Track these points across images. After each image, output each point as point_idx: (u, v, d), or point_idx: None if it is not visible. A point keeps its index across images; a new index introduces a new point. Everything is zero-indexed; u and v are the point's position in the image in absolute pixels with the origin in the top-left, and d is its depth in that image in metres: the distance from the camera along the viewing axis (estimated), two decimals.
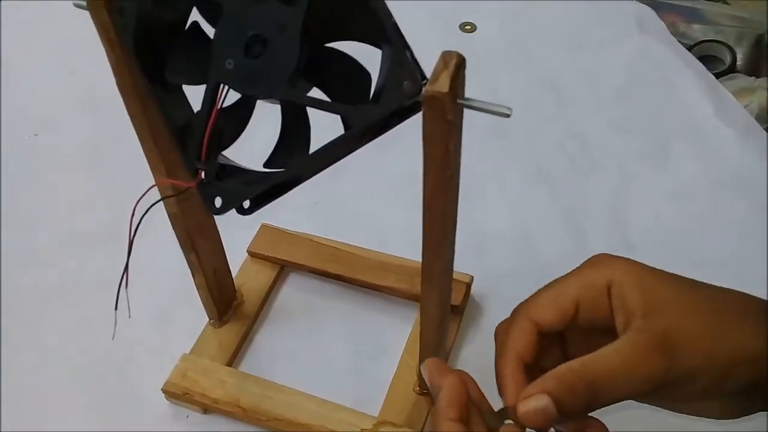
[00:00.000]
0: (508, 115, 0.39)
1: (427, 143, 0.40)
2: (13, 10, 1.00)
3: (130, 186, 0.47)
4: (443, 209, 0.43)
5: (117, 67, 0.46)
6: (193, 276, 0.62)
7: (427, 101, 0.38)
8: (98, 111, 0.84)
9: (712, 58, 1.21)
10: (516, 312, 0.45)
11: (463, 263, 0.64)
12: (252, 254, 0.72)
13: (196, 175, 0.44)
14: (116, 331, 0.57)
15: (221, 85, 0.42)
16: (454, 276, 0.53)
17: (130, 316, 0.49)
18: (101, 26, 0.45)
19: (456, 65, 0.38)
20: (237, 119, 0.43)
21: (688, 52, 0.94)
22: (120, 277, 0.47)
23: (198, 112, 0.43)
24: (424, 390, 0.60)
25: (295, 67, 0.40)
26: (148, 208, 0.46)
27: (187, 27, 0.46)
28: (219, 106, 0.42)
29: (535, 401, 0.39)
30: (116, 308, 0.47)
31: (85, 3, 0.44)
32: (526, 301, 0.45)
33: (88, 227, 0.76)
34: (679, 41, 0.96)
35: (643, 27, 0.95)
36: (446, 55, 0.39)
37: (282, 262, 0.71)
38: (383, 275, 0.69)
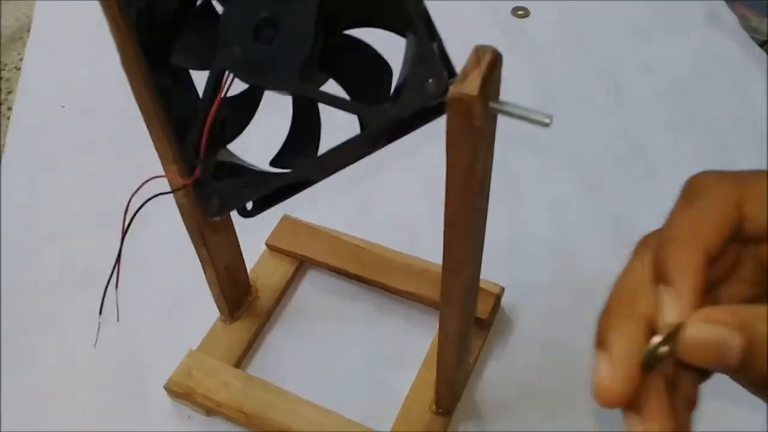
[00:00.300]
0: (547, 125, 0.33)
1: (451, 150, 0.35)
2: None
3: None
4: (467, 226, 0.38)
5: (122, 45, 0.42)
6: (204, 270, 0.58)
7: (453, 104, 0.33)
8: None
9: None
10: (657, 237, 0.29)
11: (494, 271, 0.59)
12: (270, 247, 0.67)
13: (193, 171, 0.39)
14: (123, 321, 0.54)
15: (226, 73, 0.37)
16: (483, 286, 0.48)
17: (118, 320, 0.46)
18: (106, 6, 0.40)
19: (490, 63, 0.33)
20: (242, 111, 0.39)
21: (759, 48, 0.86)
22: (110, 274, 0.43)
23: (199, 101, 0.38)
24: (440, 410, 0.55)
25: (308, 56, 0.35)
26: (144, 203, 0.41)
27: (198, 3, 0.41)
28: (222, 96, 0.37)
29: (720, 331, 0.25)
30: (101, 312, 0.43)
31: None
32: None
33: (102, 210, 0.72)
34: (750, 37, 0.88)
35: (712, 19, 0.87)
36: (479, 50, 0.33)
37: (301, 257, 0.67)
38: (405, 279, 0.64)
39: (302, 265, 0.68)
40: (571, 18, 0.89)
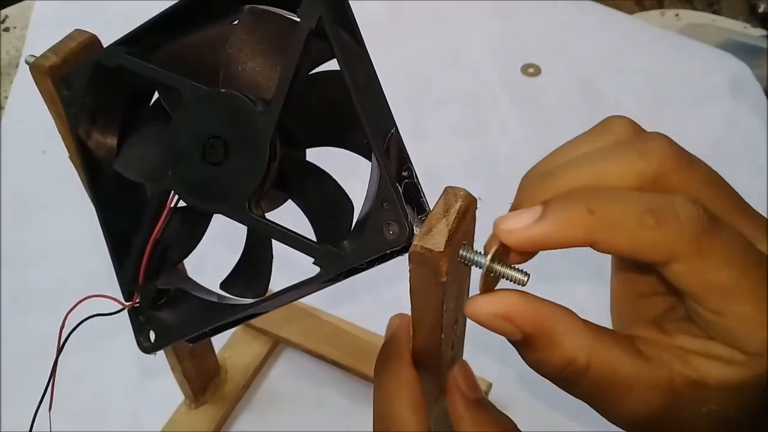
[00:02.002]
0: (524, 283, 0.29)
1: (414, 300, 0.30)
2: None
3: None
4: (435, 366, 0.34)
5: (66, 141, 0.38)
6: (165, 355, 0.54)
7: (414, 259, 0.28)
8: None
9: None
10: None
11: (482, 364, 0.54)
12: (244, 324, 0.63)
13: (131, 298, 0.34)
14: (83, 400, 0.49)
15: (171, 193, 0.33)
16: None
17: None
18: (47, 96, 0.36)
19: (459, 212, 0.28)
20: (188, 233, 0.34)
21: None
22: (43, 392, 0.38)
23: (141, 223, 0.34)
24: None
25: (258, 185, 0.31)
26: (78, 324, 0.37)
27: (151, 104, 0.37)
28: (166, 218, 0.33)
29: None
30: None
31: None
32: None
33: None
34: None
35: (737, 89, 0.82)
36: (449, 195, 0.28)
37: (275, 338, 0.62)
38: None
39: (277, 344, 0.63)
40: (584, 80, 0.84)
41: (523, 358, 0.28)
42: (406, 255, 0.29)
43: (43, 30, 0.87)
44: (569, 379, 0.27)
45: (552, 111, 0.81)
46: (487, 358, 0.59)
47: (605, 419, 0.29)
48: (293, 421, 0.59)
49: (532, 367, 0.28)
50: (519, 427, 0.35)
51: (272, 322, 0.62)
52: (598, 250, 0.26)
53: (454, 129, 0.79)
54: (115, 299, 0.35)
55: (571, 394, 0.28)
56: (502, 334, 0.27)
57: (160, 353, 0.52)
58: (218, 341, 0.60)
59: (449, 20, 0.90)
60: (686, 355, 0.27)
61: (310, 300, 0.63)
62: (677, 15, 1.18)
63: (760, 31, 1.12)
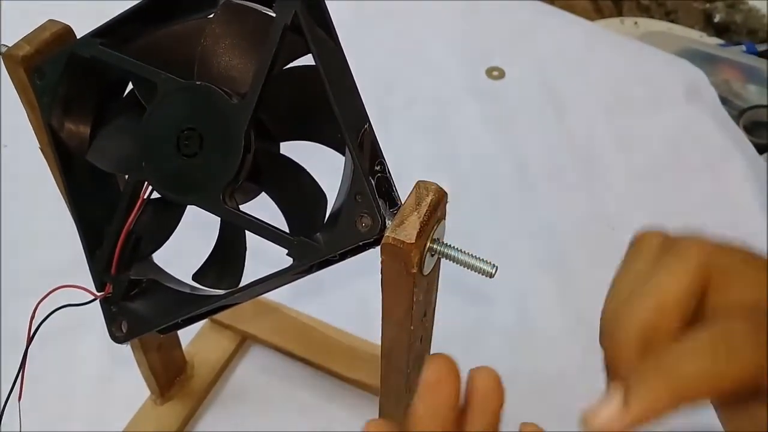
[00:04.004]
0: (491, 275, 0.30)
1: (385, 293, 0.31)
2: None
3: None
4: (405, 363, 0.34)
5: (39, 132, 0.38)
6: (131, 349, 0.54)
7: (386, 249, 0.29)
8: None
9: (764, 126, 1.09)
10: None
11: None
12: (212, 319, 0.63)
13: (103, 288, 0.35)
14: (46, 400, 0.49)
15: (144, 184, 0.33)
16: None
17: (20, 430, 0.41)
18: (19, 85, 0.36)
19: (431, 205, 0.29)
20: (161, 224, 0.34)
21: (738, 128, 0.83)
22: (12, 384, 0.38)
23: (114, 213, 0.34)
24: None
25: (232, 178, 0.31)
26: (49, 314, 0.37)
27: (125, 95, 0.37)
28: (139, 210, 0.33)
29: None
30: None
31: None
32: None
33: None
34: (731, 101, 0.85)
35: (692, 94, 0.84)
36: (421, 189, 0.29)
37: (243, 334, 0.62)
38: (355, 365, 0.60)
39: (245, 340, 0.63)
40: (546, 83, 0.86)
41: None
42: (378, 248, 0.29)
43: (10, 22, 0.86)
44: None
45: (515, 113, 0.82)
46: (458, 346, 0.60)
47: None
48: (260, 417, 0.59)
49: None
50: None
51: (240, 318, 0.62)
52: None
53: (420, 129, 0.80)
54: (86, 290, 0.35)
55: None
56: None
57: (127, 347, 0.52)
58: (185, 337, 0.60)
59: (413, 22, 0.91)
60: None
61: (276, 296, 0.63)
62: (636, 23, 1.21)
63: (716, 40, 1.15)
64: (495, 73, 0.85)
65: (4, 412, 0.38)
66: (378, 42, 0.87)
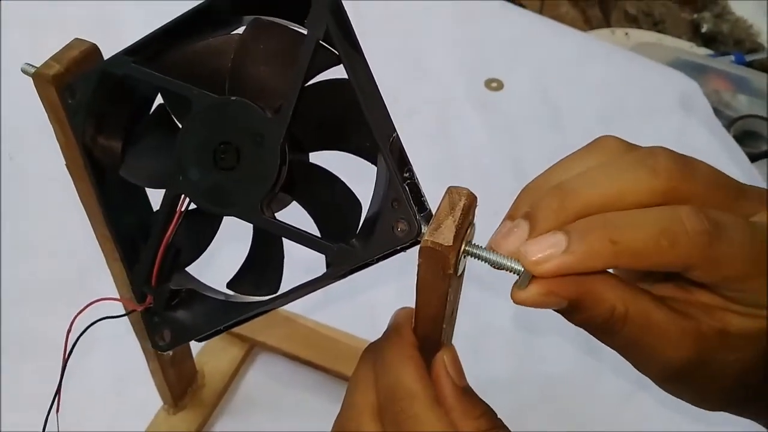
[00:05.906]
0: (520, 273, 0.31)
1: (421, 293, 0.32)
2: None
3: None
4: (429, 353, 0.35)
5: (67, 150, 0.38)
6: (147, 360, 0.54)
7: (425, 253, 0.30)
8: None
9: (755, 136, 1.12)
10: None
11: None
12: None
13: (144, 299, 0.35)
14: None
15: (181, 197, 0.34)
16: None
17: None
18: (49, 105, 0.37)
19: (464, 209, 0.30)
20: (199, 235, 0.35)
21: (733, 140, 0.85)
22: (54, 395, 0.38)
23: (146, 225, 0.35)
24: None
25: (270, 189, 0.32)
26: (88, 326, 0.37)
27: (151, 111, 0.38)
28: (177, 222, 0.34)
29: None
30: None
31: (32, 71, 0.36)
32: None
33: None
34: (721, 111, 0.87)
35: (687, 104, 0.86)
36: (453, 194, 0.31)
37: (251, 341, 0.63)
38: None
39: (253, 348, 0.64)
40: (545, 94, 0.88)
41: (571, 321, 0.31)
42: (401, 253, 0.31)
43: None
44: (612, 329, 0.30)
45: (514, 123, 0.84)
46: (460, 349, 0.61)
47: (641, 373, 0.32)
48: (271, 423, 0.60)
49: (579, 326, 0.31)
50: None
51: (247, 326, 0.63)
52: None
53: (421, 139, 0.82)
54: (125, 301, 0.36)
55: (612, 345, 0.31)
56: (549, 308, 0.31)
57: (141, 359, 0.53)
58: (195, 347, 0.61)
59: (412, 35, 0.93)
60: (709, 309, 0.30)
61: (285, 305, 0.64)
62: (627, 34, 1.24)
63: (705, 50, 1.18)
64: (494, 85, 0.87)
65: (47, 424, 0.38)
66: (378, 54, 0.88)
